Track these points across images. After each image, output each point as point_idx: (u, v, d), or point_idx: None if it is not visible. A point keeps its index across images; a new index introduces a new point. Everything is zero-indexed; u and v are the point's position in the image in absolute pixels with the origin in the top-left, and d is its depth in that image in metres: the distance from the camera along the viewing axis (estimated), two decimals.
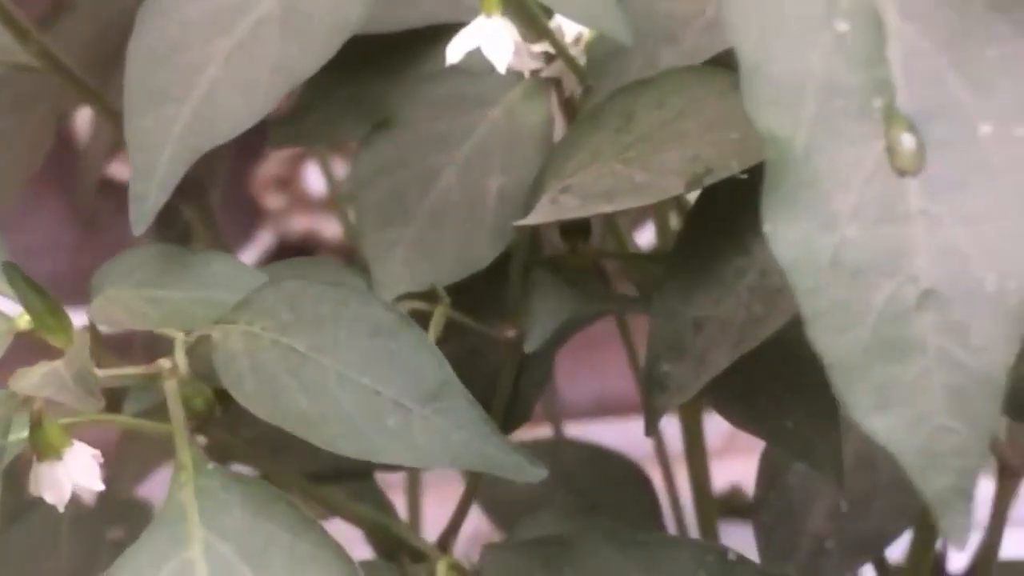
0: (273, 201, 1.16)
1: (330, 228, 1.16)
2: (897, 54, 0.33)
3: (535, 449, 0.68)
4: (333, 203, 0.89)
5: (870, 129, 0.33)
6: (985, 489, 0.64)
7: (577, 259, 0.54)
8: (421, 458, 0.42)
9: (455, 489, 0.56)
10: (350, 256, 1.02)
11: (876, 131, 0.33)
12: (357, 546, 0.54)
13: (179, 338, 0.44)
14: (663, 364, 0.47)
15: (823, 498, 0.56)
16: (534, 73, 0.52)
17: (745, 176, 0.43)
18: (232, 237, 1.12)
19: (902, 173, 0.33)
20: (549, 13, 0.51)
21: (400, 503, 0.68)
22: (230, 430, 0.49)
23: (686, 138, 0.46)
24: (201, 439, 0.47)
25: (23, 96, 0.61)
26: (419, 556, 0.52)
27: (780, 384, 0.50)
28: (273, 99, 0.45)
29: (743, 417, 0.51)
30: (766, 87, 0.33)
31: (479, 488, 0.58)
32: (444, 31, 0.52)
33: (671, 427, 0.65)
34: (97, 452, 0.43)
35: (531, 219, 0.47)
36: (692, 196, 0.48)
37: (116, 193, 0.70)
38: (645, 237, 0.71)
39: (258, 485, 0.42)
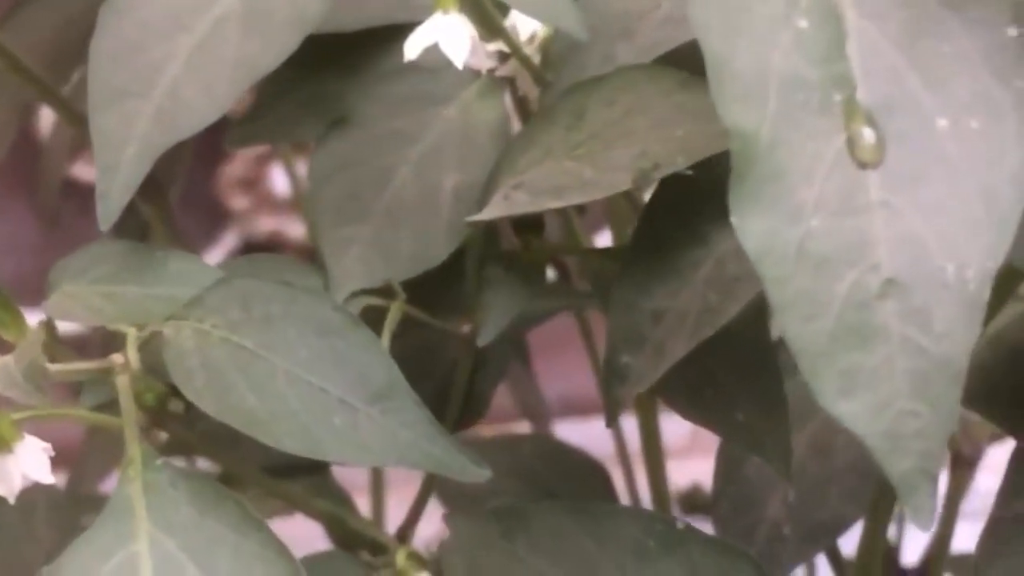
0: (238, 202, 1.16)
1: (295, 229, 1.16)
2: (856, 50, 0.34)
3: (494, 444, 0.70)
4: (298, 204, 0.90)
5: (831, 123, 0.34)
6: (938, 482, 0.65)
7: (530, 255, 0.54)
8: (367, 457, 0.43)
9: (417, 490, 0.57)
10: (315, 257, 1.02)
11: (837, 125, 0.34)
12: (318, 542, 0.55)
13: (131, 334, 0.45)
14: (623, 356, 0.47)
15: (780, 488, 0.57)
16: (489, 72, 0.53)
17: (691, 172, 0.44)
18: (197, 238, 1.12)
19: (863, 165, 0.34)
20: (504, 12, 0.51)
21: (364, 503, 0.69)
22: (189, 425, 0.50)
23: (634, 135, 0.47)
24: (161, 434, 0.48)
25: None
26: (379, 549, 0.53)
27: (730, 379, 0.51)
28: (234, 95, 0.46)
29: (695, 412, 0.52)
30: (731, 83, 0.34)
31: (438, 482, 0.58)
32: (400, 31, 0.52)
33: (633, 426, 0.66)
34: (48, 446, 0.43)
35: (483, 215, 0.48)
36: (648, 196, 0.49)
37: (79, 194, 0.71)
38: (604, 241, 0.71)
39: (206, 482, 0.43)
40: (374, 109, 0.53)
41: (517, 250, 0.54)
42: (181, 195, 0.61)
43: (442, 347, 0.55)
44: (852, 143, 0.34)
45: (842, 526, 0.58)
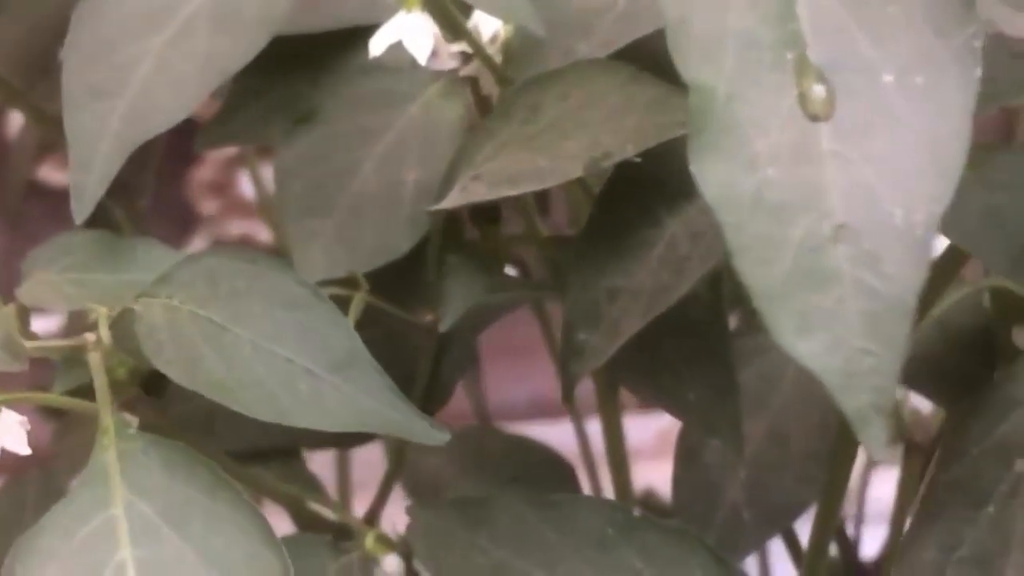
0: (208, 206, 1.17)
1: (265, 233, 1.16)
2: (806, 11, 0.36)
3: (460, 436, 0.71)
4: (264, 208, 0.91)
5: (784, 79, 0.36)
6: (890, 478, 0.67)
7: (489, 245, 0.56)
8: (331, 422, 0.44)
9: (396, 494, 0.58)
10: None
11: (789, 81, 0.36)
12: (284, 528, 0.56)
13: (102, 312, 0.46)
14: (580, 332, 0.49)
15: (738, 474, 0.58)
16: (452, 72, 0.54)
17: (639, 160, 0.46)
18: (167, 241, 1.11)
19: (814, 119, 0.36)
20: (467, 13, 0.53)
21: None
22: (160, 410, 0.51)
23: (587, 126, 0.49)
24: (132, 419, 0.49)
25: None
26: (345, 535, 0.54)
27: (682, 361, 0.53)
28: (204, 92, 0.47)
29: (650, 393, 0.53)
30: (689, 43, 0.36)
31: (403, 472, 0.60)
32: (367, 32, 0.54)
33: (596, 430, 0.67)
34: (24, 419, 0.44)
35: (442, 205, 0.49)
36: None
37: (45, 198, 0.72)
38: None
39: (178, 448, 0.44)
40: (340, 107, 0.55)
41: (476, 241, 0.56)
42: (151, 199, 0.62)
43: (406, 337, 0.57)
44: (804, 98, 0.36)
45: (798, 510, 0.59)
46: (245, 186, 1.17)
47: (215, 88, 0.47)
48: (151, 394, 0.51)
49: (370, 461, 0.84)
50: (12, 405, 0.44)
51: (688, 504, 0.59)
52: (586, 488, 0.71)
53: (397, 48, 0.51)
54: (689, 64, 0.35)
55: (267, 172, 0.83)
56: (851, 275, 0.35)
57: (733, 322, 0.58)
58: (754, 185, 0.35)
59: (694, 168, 0.35)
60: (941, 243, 0.49)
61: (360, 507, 0.72)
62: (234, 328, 0.44)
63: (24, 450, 0.43)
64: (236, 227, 1.18)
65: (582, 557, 0.49)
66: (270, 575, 0.42)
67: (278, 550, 0.42)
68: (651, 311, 0.47)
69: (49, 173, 0.82)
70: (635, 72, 0.49)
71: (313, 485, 0.57)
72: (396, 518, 0.55)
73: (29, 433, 0.45)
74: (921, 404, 0.65)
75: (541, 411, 0.95)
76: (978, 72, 0.36)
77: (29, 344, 0.44)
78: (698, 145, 0.35)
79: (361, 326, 0.51)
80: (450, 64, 0.54)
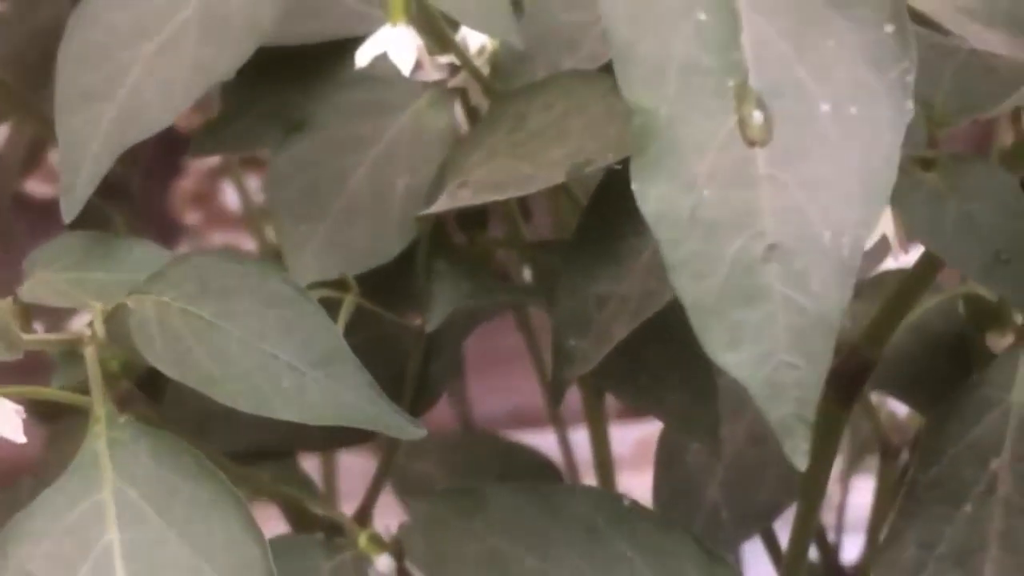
0: (191, 217, 1.19)
1: (249, 243, 1.18)
2: (749, 41, 0.38)
3: (449, 442, 0.73)
4: (249, 218, 0.93)
5: (724, 104, 0.38)
6: (868, 488, 0.68)
7: (475, 249, 0.58)
8: (313, 415, 0.46)
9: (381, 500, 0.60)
10: None
11: (730, 106, 0.38)
12: (276, 527, 0.58)
13: (97, 307, 0.48)
14: (570, 338, 0.51)
15: (717, 475, 0.60)
16: (440, 83, 0.56)
17: (620, 167, 0.48)
18: None
19: (751, 143, 0.38)
20: (455, 27, 0.55)
21: None
22: (156, 411, 0.53)
23: (570, 135, 0.51)
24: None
25: None
26: (338, 533, 0.56)
27: (663, 365, 0.54)
28: (192, 97, 0.49)
29: (631, 395, 0.55)
30: (635, 66, 0.38)
31: (392, 475, 0.61)
32: (355, 43, 0.56)
33: (580, 438, 0.69)
34: (20, 408, 0.46)
35: (430, 210, 0.52)
36: None
37: (29, 210, 0.74)
38: None
39: (166, 437, 0.46)
40: (332, 116, 0.57)
41: (463, 246, 0.58)
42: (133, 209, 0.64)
43: (395, 340, 0.59)
44: (743, 123, 0.38)
45: (777, 510, 0.61)
46: (228, 197, 1.19)
47: (203, 94, 0.49)
48: (149, 396, 0.53)
49: (355, 470, 0.86)
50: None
51: (669, 505, 0.61)
52: None
53: (386, 59, 0.53)
54: (633, 86, 0.37)
55: (252, 183, 0.86)
56: (780, 292, 0.37)
57: None
58: (691, 204, 0.37)
59: (635, 186, 0.37)
60: (917, 251, 0.51)
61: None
62: (222, 324, 0.46)
63: (20, 438, 0.45)
64: (219, 238, 1.20)
65: (573, 544, 0.51)
66: (249, 558, 0.44)
67: (257, 535, 0.44)
68: (639, 316, 0.49)
69: (34, 186, 0.84)
70: (616, 83, 0.51)
71: (306, 485, 0.59)
72: (383, 522, 0.57)
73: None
74: (898, 408, 0.67)
75: (523, 421, 0.97)
76: (910, 105, 0.38)
77: (27, 337, 0.46)
78: (639, 164, 0.37)
79: (351, 329, 0.53)
80: (438, 75, 0.56)
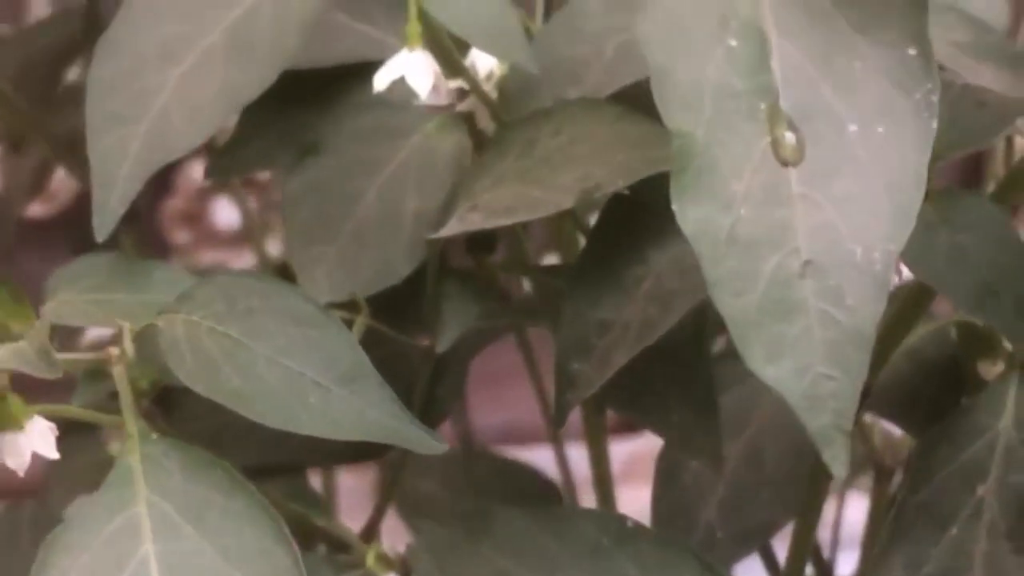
0: (181, 236, 1.19)
1: (239, 262, 1.19)
2: (778, 65, 0.40)
3: (449, 461, 0.73)
4: (242, 237, 0.94)
5: (758, 127, 0.39)
6: (862, 507, 0.69)
7: (483, 272, 0.59)
8: (339, 431, 0.47)
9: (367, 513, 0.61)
10: None
11: (762, 128, 0.39)
12: None
13: (126, 327, 0.49)
14: (573, 363, 0.52)
15: (715, 494, 0.61)
16: (449, 107, 0.57)
17: (628, 192, 0.49)
18: None
19: (784, 164, 0.39)
20: (464, 52, 0.56)
21: None
22: (172, 427, 0.54)
23: (579, 160, 0.52)
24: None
25: None
26: (344, 550, 0.57)
27: (667, 384, 0.56)
28: (219, 120, 0.50)
29: (636, 413, 0.57)
30: (672, 91, 0.39)
31: (396, 496, 0.62)
32: (369, 67, 0.57)
33: (575, 454, 0.70)
34: (52, 425, 0.47)
35: (441, 233, 0.53)
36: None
37: (35, 234, 0.74)
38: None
39: (196, 452, 0.47)
40: (343, 139, 0.58)
41: (471, 268, 0.59)
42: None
43: (403, 359, 0.60)
44: (775, 144, 0.39)
45: (774, 528, 0.62)
46: (218, 216, 1.19)
47: (229, 117, 0.51)
48: (162, 408, 0.54)
49: (355, 489, 0.87)
50: None
51: (666, 523, 0.62)
52: None
53: (398, 84, 0.54)
54: (671, 111, 0.39)
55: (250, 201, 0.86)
56: (816, 307, 0.38)
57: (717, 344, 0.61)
58: (729, 223, 0.38)
59: (675, 207, 0.38)
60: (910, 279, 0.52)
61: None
62: (249, 343, 0.47)
63: (53, 454, 0.46)
64: (208, 257, 1.21)
65: (579, 565, 0.52)
66: (281, 568, 0.45)
67: (289, 546, 0.45)
68: (640, 343, 0.50)
69: (32, 208, 0.84)
70: (623, 111, 0.52)
71: (315, 502, 0.60)
72: (387, 541, 0.58)
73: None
74: (892, 429, 0.68)
75: (521, 436, 0.98)
76: (934, 124, 0.40)
77: (59, 356, 0.47)
78: (679, 186, 0.39)
79: (362, 348, 0.54)
80: (448, 100, 0.57)
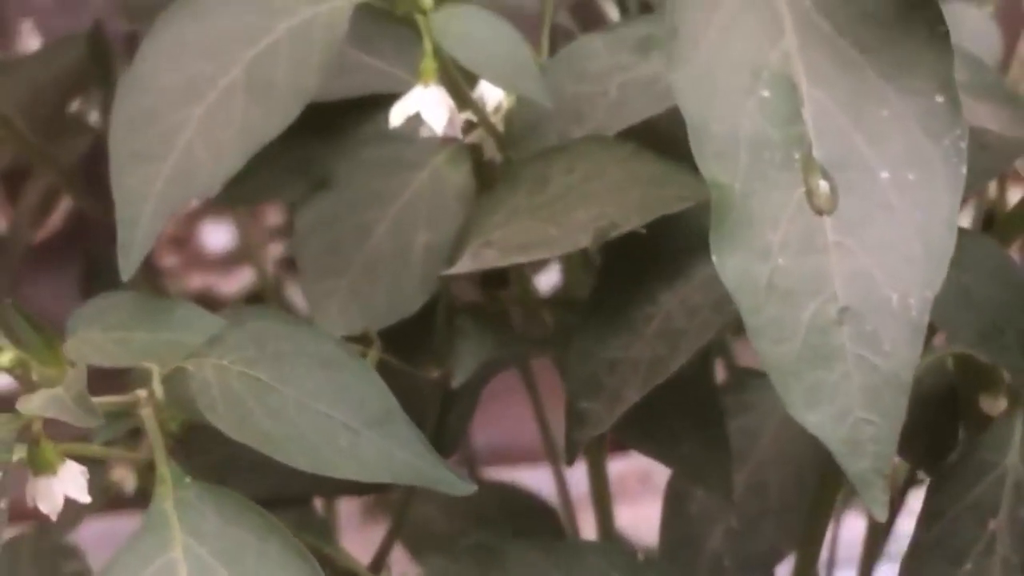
0: (168, 260, 1.19)
1: (226, 285, 1.19)
2: (810, 115, 0.40)
3: None
4: (231, 260, 0.94)
5: (792, 176, 0.40)
6: (859, 527, 0.70)
7: (495, 306, 0.60)
8: (369, 473, 0.48)
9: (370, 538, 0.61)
10: None
11: (797, 178, 0.40)
12: None
13: (155, 369, 0.49)
14: (582, 401, 0.53)
15: (721, 522, 0.62)
16: (456, 139, 0.58)
17: (645, 231, 0.50)
18: None
19: (819, 212, 0.40)
20: (472, 84, 0.57)
21: None
22: (183, 460, 0.54)
23: (593, 198, 0.52)
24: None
25: None
26: None
27: (677, 416, 0.56)
28: (242, 158, 0.51)
29: (647, 446, 0.57)
30: (708, 143, 0.40)
31: (403, 528, 0.63)
32: (378, 100, 0.58)
33: (572, 472, 0.71)
34: (84, 469, 0.48)
35: (455, 270, 0.53)
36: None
37: (41, 259, 0.74)
38: (544, 280, 0.76)
39: (231, 496, 0.47)
40: (353, 172, 0.58)
41: (483, 302, 0.59)
42: None
43: (413, 390, 0.60)
44: (810, 193, 0.40)
45: (778, 557, 0.63)
46: (205, 239, 1.20)
47: (253, 154, 0.51)
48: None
49: (350, 511, 0.88)
50: None
51: (674, 551, 0.63)
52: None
53: (409, 117, 0.54)
54: (708, 163, 0.40)
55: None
56: (854, 353, 0.39)
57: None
58: (768, 273, 0.39)
59: (715, 257, 0.39)
60: None
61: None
62: (279, 386, 0.47)
63: (85, 498, 0.46)
64: (196, 280, 1.21)
65: None
66: None
67: None
68: (650, 382, 0.51)
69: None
70: (636, 148, 0.53)
71: (324, 532, 0.60)
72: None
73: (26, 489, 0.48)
74: None
75: (519, 455, 0.98)
76: (964, 170, 0.40)
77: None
78: (718, 236, 0.39)
79: None
80: (458, 132, 0.57)
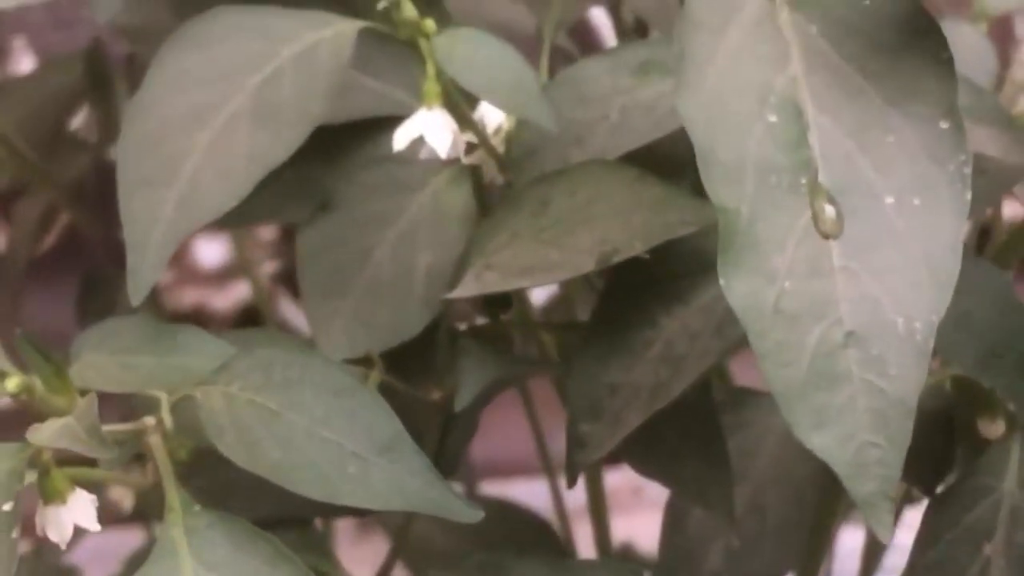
0: (162, 276, 1.19)
1: (220, 301, 1.19)
2: (816, 140, 0.41)
3: None
4: (224, 276, 0.94)
5: (799, 201, 0.40)
6: (856, 539, 0.71)
7: (496, 329, 0.60)
8: (378, 501, 0.48)
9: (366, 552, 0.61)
10: (239, 327, 1.06)
11: (803, 203, 0.40)
12: None
13: (164, 398, 0.50)
14: (582, 424, 0.53)
15: (719, 541, 0.62)
16: (457, 161, 0.58)
17: (648, 256, 0.50)
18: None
19: (825, 236, 0.40)
20: (472, 106, 0.57)
21: None
22: (184, 481, 0.54)
23: (595, 222, 0.53)
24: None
25: None
26: None
27: (679, 438, 0.57)
28: (250, 183, 0.51)
29: (647, 467, 0.57)
30: (716, 169, 0.40)
31: (386, 530, 0.63)
32: (379, 123, 0.58)
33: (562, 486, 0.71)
34: (94, 497, 0.48)
35: (457, 293, 0.53)
36: None
37: (35, 274, 0.74)
38: (538, 293, 0.77)
39: (239, 523, 0.48)
40: (354, 194, 0.59)
41: (486, 324, 0.60)
42: None
43: (414, 412, 0.60)
44: (816, 218, 0.40)
45: None
46: (199, 255, 1.20)
47: (260, 178, 0.51)
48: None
49: (346, 525, 0.88)
50: None
51: (672, 570, 0.63)
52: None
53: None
54: (716, 188, 0.40)
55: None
56: (860, 377, 0.39)
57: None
58: (774, 296, 0.39)
59: (722, 281, 0.40)
60: None
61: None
62: (288, 414, 0.48)
63: (95, 527, 0.46)
64: (190, 296, 1.21)
65: None
66: None
67: None
68: (652, 406, 0.51)
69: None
70: (640, 172, 0.53)
71: (324, 552, 0.61)
72: None
73: (24, 509, 0.47)
74: None
75: (514, 468, 0.98)
76: (968, 195, 0.41)
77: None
78: (725, 261, 0.40)
79: None
80: (459, 153, 0.58)
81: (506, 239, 0.54)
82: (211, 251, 1.12)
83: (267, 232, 1.02)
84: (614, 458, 0.57)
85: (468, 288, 0.53)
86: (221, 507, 0.54)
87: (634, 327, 0.52)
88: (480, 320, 0.61)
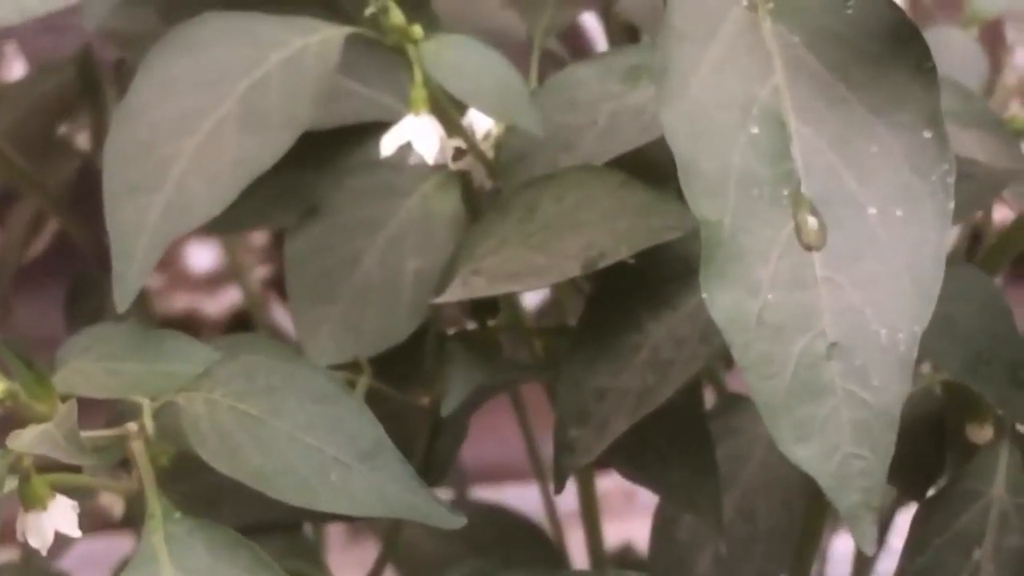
0: (152, 281, 1.19)
1: (211, 306, 1.19)
2: (799, 151, 0.41)
3: None
4: (215, 281, 0.94)
5: (781, 212, 0.40)
6: (848, 544, 0.71)
7: (484, 334, 0.60)
8: (360, 508, 0.48)
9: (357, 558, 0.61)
10: (231, 331, 1.06)
11: (786, 214, 0.40)
12: None
13: (146, 403, 0.49)
14: (570, 429, 0.53)
15: (709, 547, 0.62)
16: (445, 166, 0.58)
17: (633, 261, 0.50)
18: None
19: (808, 248, 0.40)
20: (461, 112, 0.57)
21: None
22: (169, 487, 0.54)
23: (582, 227, 0.53)
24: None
25: None
26: None
27: (666, 445, 0.57)
28: (236, 189, 0.51)
29: (636, 473, 0.57)
30: (698, 180, 0.40)
31: (377, 535, 0.63)
32: (367, 128, 0.58)
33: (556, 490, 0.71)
34: (75, 503, 0.48)
35: (444, 298, 0.53)
36: None
37: (23, 279, 0.75)
38: (531, 298, 0.77)
39: (220, 530, 0.48)
40: (343, 199, 0.59)
41: (474, 329, 0.59)
42: None
43: (402, 416, 0.60)
44: (799, 229, 0.40)
45: None
46: (190, 260, 1.20)
47: (247, 184, 0.51)
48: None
49: (337, 530, 0.88)
50: None
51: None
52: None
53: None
54: (698, 200, 0.40)
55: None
56: (843, 388, 0.39)
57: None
58: (757, 308, 0.39)
59: (705, 294, 0.39)
60: None
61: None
62: (270, 421, 0.48)
63: (75, 533, 0.46)
64: (181, 301, 1.21)
65: None
66: None
67: None
68: (638, 411, 0.51)
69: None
70: (626, 178, 0.53)
71: (313, 558, 0.61)
72: None
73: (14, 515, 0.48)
74: None
75: (505, 472, 0.98)
76: (951, 205, 0.41)
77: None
78: (708, 273, 0.40)
79: None
80: (447, 159, 0.58)
81: (494, 244, 0.54)
82: (202, 256, 1.12)
83: (258, 237, 1.02)
84: (605, 463, 0.57)
85: (455, 293, 0.53)
86: (206, 512, 0.54)
87: (621, 332, 0.52)
88: (469, 325, 0.61)
